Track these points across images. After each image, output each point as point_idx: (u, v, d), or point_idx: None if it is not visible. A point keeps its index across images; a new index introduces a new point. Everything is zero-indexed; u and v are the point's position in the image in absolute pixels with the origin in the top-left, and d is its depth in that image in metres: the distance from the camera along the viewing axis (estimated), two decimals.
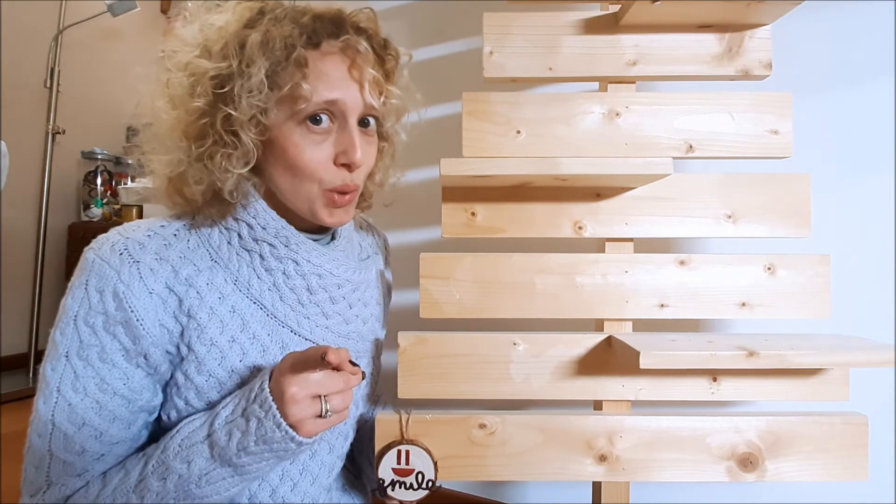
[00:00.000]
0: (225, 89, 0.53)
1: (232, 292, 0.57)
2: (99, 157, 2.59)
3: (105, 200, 2.59)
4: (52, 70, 2.31)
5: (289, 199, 0.58)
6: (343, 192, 0.58)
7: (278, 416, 0.49)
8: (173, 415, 0.56)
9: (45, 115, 2.30)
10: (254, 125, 0.54)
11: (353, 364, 0.53)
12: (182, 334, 0.55)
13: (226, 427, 0.51)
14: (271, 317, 0.59)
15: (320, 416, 0.50)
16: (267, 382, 0.51)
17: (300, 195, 0.57)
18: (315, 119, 0.55)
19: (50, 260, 2.32)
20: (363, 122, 0.59)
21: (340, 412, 0.52)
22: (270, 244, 0.58)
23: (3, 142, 1.61)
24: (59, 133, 2.32)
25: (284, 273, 0.59)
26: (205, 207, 0.58)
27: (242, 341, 0.57)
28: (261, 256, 0.58)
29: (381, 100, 0.59)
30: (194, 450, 0.51)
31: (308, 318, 0.61)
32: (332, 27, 0.56)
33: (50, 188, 2.29)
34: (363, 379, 0.55)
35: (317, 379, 0.50)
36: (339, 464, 0.68)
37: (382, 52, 0.60)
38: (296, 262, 0.59)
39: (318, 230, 0.64)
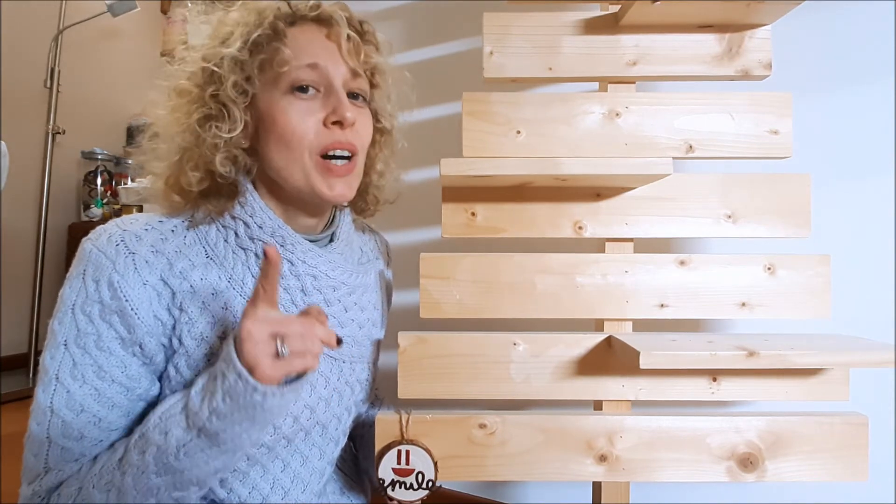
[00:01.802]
0: (210, 64, 0.56)
1: (226, 289, 0.57)
2: (99, 157, 2.59)
3: (105, 200, 2.59)
4: (52, 70, 2.31)
5: (286, 178, 0.58)
6: (339, 157, 0.57)
7: (238, 364, 0.48)
8: None
9: (45, 115, 2.30)
10: (239, 93, 0.55)
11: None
12: (174, 327, 0.55)
13: (200, 393, 0.50)
14: None
15: (278, 356, 0.49)
16: (233, 337, 0.50)
17: (294, 168, 0.57)
18: (301, 88, 0.56)
19: (50, 260, 2.33)
20: (352, 96, 0.60)
21: (302, 355, 0.50)
22: (266, 243, 0.58)
23: (3, 142, 1.60)
24: (59, 133, 2.32)
25: (279, 273, 0.59)
26: (202, 201, 0.58)
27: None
28: (256, 255, 0.58)
29: (362, 59, 0.60)
30: (172, 421, 0.50)
31: None
32: (305, 8, 0.59)
33: (50, 188, 2.29)
34: (339, 345, 0.54)
35: (274, 317, 0.50)
36: (330, 469, 0.68)
37: (359, 27, 0.62)
38: (291, 263, 0.59)
39: (315, 219, 0.64)
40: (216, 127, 0.55)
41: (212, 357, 0.56)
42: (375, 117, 0.66)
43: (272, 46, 0.55)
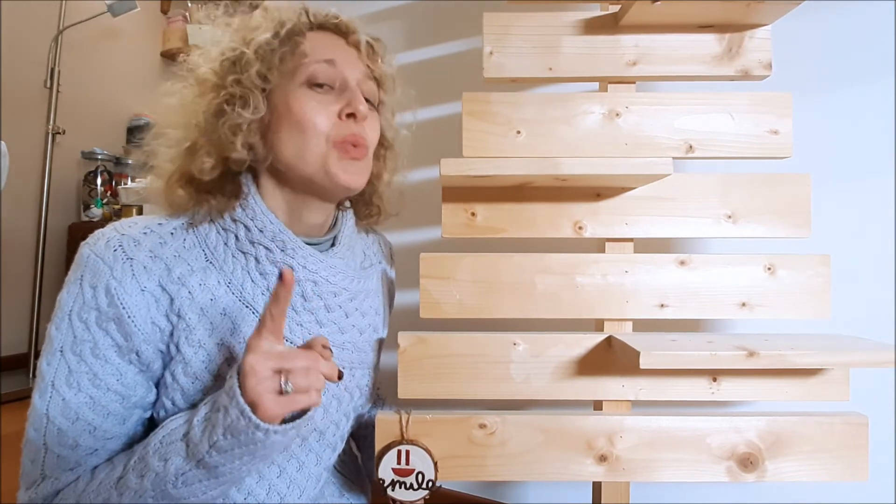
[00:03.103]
0: (234, 53, 0.57)
1: (224, 294, 0.56)
2: (99, 157, 2.59)
3: (105, 200, 2.58)
4: (52, 70, 2.31)
5: (299, 166, 0.58)
6: (354, 144, 0.58)
7: (241, 401, 0.47)
8: (161, 414, 0.56)
9: (45, 115, 2.30)
10: (261, 79, 0.57)
11: (328, 350, 0.53)
12: (172, 334, 0.54)
13: (202, 423, 0.49)
14: None
15: (281, 393, 0.48)
16: (236, 370, 0.49)
17: (309, 156, 0.57)
18: (318, 84, 0.58)
19: (50, 260, 2.32)
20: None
21: (306, 391, 0.49)
22: (266, 248, 0.58)
23: (3, 142, 1.60)
24: (59, 133, 2.32)
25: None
26: (205, 197, 0.58)
27: (232, 345, 0.56)
28: (256, 260, 0.58)
29: (379, 64, 0.63)
30: (172, 448, 0.50)
31: (301, 325, 0.60)
32: (326, 18, 0.62)
33: (50, 188, 2.29)
34: (340, 378, 0.53)
35: (278, 352, 0.49)
36: (326, 474, 0.67)
37: (375, 43, 0.65)
38: (290, 268, 0.58)
39: (316, 232, 0.64)
40: (239, 109, 0.56)
41: (209, 364, 0.55)
42: (381, 131, 0.67)
43: (293, 41, 0.57)
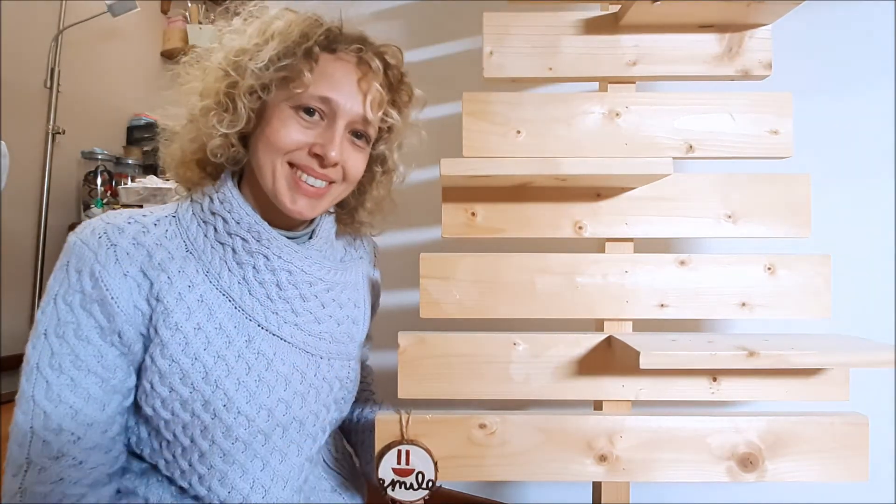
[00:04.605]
0: (240, 59, 0.58)
1: (202, 282, 0.59)
2: (99, 157, 2.59)
3: (105, 200, 2.58)
4: (52, 70, 2.31)
5: (260, 176, 0.60)
6: (310, 175, 0.59)
7: None
8: (142, 398, 0.58)
9: (45, 115, 2.30)
10: (252, 96, 0.58)
11: None
12: (151, 317, 0.57)
13: None
14: (239, 309, 0.60)
15: None
16: None
17: (267, 169, 0.59)
18: (308, 111, 0.59)
19: (50, 260, 2.32)
20: (356, 134, 0.62)
21: None
22: (243, 238, 0.60)
23: (3, 142, 1.60)
24: (59, 133, 2.32)
25: (254, 267, 0.60)
26: (188, 169, 0.62)
27: (208, 330, 0.58)
28: (233, 250, 0.60)
29: (380, 115, 0.62)
30: None
31: (276, 313, 0.61)
32: (353, 41, 0.61)
33: (50, 188, 2.29)
34: None
35: None
36: (308, 465, 0.67)
37: (397, 83, 0.64)
38: (266, 258, 0.60)
39: (295, 225, 0.65)
40: (218, 118, 0.59)
41: (185, 347, 0.57)
42: (381, 160, 0.68)
43: (297, 69, 0.57)
